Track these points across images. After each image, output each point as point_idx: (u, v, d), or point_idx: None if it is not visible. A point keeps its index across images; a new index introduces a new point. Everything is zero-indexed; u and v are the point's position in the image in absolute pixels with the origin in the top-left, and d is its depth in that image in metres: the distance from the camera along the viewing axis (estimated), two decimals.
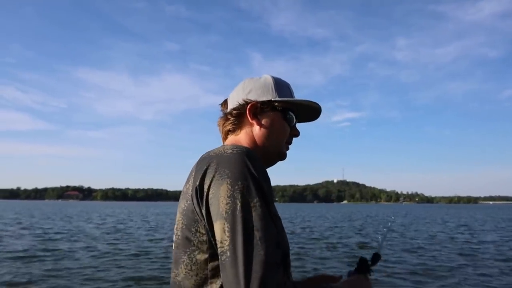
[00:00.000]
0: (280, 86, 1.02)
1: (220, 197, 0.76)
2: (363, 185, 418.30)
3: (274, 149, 1.00)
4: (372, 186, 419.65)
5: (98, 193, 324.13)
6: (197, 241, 0.82)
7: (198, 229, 0.82)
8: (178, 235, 0.86)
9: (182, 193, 0.88)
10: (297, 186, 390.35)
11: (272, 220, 0.77)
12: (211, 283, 0.80)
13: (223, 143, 1.04)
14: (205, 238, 0.81)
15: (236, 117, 1.00)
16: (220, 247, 0.75)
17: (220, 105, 1.09)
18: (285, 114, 1.00)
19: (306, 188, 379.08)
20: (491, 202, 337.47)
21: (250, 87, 1.02)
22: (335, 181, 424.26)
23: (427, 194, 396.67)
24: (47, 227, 19.00)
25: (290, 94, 1.04)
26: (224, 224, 0.74)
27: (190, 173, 0.87)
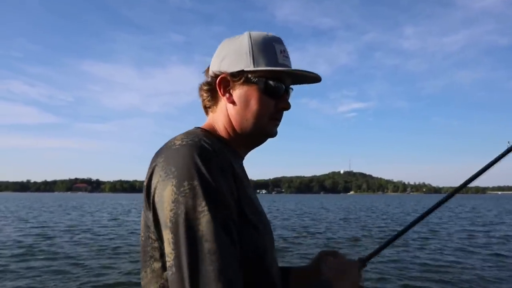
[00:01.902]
0: (259, 48, 0.80)
1: (164, 202, 0.65)
2: (370, 176, 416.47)
3: (253, 128, 0.82)
4: (379, 176, 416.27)
5: (107, 185, 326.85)
6: (150, 247, 0.73)
7: (150, 235, 0.72)
8: (142, 237, 0.76)
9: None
10: (304, 177, 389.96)
11: (226, 227, 0.64)
12: None
13: (206, 116, 0.91)
14: (156, 245, 0.72)
15: (209, 92, 0.85)
16: (167, 261, 0.64)
17: (204, 74, 0.90)
18: (264, 85, 0.80)
19: (312, 179, 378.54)
20: (499, 192, 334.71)
21: (225, 52, 0.83)
22: (341, 172, 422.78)
23: (434, 184, 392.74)
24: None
25: (274, 57, 0.80)
26: (169, 234, 0.63)
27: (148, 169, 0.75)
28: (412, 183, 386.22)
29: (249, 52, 0.80)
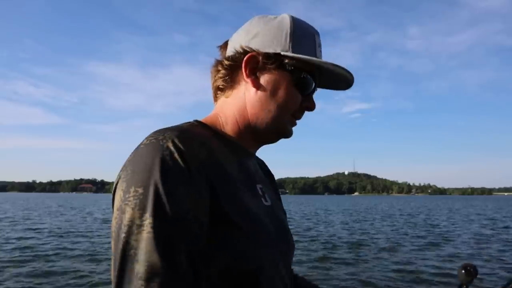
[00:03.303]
0: (300, 34, 0.69)
1: (114, 208, 0.56)
2: (375, 177, 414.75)
3: (271, 122, 0.69)
4: (384, 177, 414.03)
5: (111, 186, 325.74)
6: None
7: None
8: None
9: None
10: (308, 178, 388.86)
11: (169, 247, 0.51)
12: None
13: (214, 102, 0.77)
14: None
15: (229, 70, 0.71)
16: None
17: (219, 48, 0.77)
18: (297, 77, 0.68)
19: (316, 180, 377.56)
20: (505, 194, 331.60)
21: (257, 30, 0.70)
22: (346, 173, 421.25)
23: (439, 185, 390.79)
24: None
25: (313, 49, 0.70)
26: (112, 245, 0.54)
27: None
28: (417, 184, 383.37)
29: (290, 35, 0.67)
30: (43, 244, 9.98)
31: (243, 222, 0.59)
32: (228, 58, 0.71)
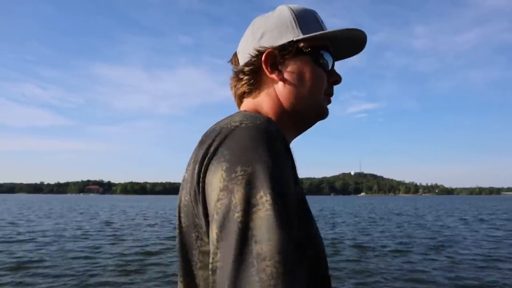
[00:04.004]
0: (304, 17, 0.70)
1: (213, 190, 0.53)
2: (381, 177, 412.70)
3: (309, 107, 0.70)
4: (390, 178, 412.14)
5: (118, 187, 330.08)
6: (197, 252, 0.59)
7: (199, 235, 0.58)
8: (183, 240, 0.62)
9: (183, 181, 0.62)
10: (314, 178, 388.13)
11: (288, 225, 0.48)
12: None
13: (238, 109, 0.76)
14: (207, 248, 0.57)
15: (250, 75, 0.71)
16: (210, 262, 0.50)
17: (230, 62, 0.78)
18: (317, 56, 0.69)
19: (323, 180, 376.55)
20: None
21: (263, 30, 0.71)
22: (352, 173, 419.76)
23: (447, 185, 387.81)
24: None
25: (319, 25, 0.71)
26: (215, 230, 0.50)
27: (192, 155, 0.62)
28: (424, 184, 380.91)
29: (294, 21, 0.69)
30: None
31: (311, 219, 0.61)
32: (246, 64, 0.71)
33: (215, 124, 0.62)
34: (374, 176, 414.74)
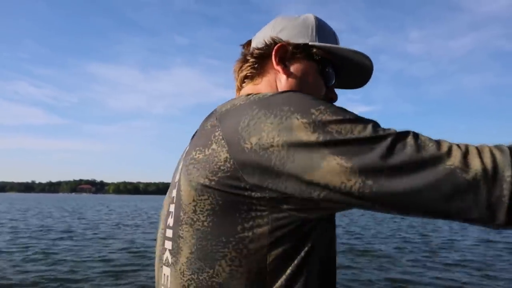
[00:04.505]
0: (324, 29, 0.74)
1: (272, 142, 0.52)
2: None
3: None
4: None
5: (111, 187, 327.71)
6: (241, 227, 0.56)
7: (246, 207, 0.56)
8: (203, 221, 0.58)
9: (195, 162, 0.60)
10: None
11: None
12: (272, 281, 0.56)
13: (237, 94, 0.77)
14: (263, 218, 0.56)
15: (258, 59, 0.73)
16: (349, 182, 0.49)
17: (242, 46, 0.79)
18: (323, 66, 0.72)
19: None
20: None
21: (283, 25, 0.74)
22: None
23: None
24: None
25: (336, 41, 0.76)
26: (314, 161, 0.50)
27: (204, 134, 0.61)
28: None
29: (315, 28, 0.72)
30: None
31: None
32: (257, 48, 0.73)
33: (217, 108, 0.64)
34: None
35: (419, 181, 0.46)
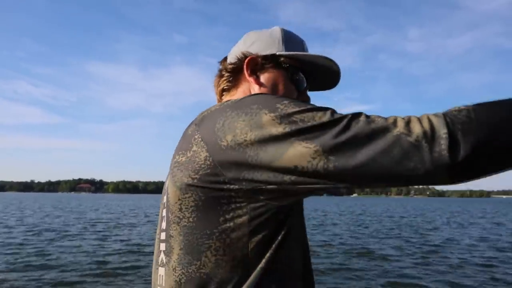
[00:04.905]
0: (291, 39, 0.81)
1: (245, 139, 0.59)
2: None
3: None
4: None
5: (110, 186, 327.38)
6: (223, 218, 0.62)
7: (226, 200, 0.62)
8: (188, 218, 0.64)
9: (178, 164, 0.67)
10: None
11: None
12: (254, 265, 0.63)
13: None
14: (242, 208, 0.62)
15: (232, 73, 0.81)
16: (314, 157, 0.55)
17: (219, 63, 0.87)
18: (292, 73, 0.78)
19: None
20: (504, 196, 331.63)
21: (253, 39, 0.81)
22: None
23: (438, 188, 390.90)
24: None
25: (303, 50, 0.82)
26: (283, 153, 0.57)
27: (187, 138, 0.68)
28: (415, 186, 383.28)
29: (282, 39, 0.79)
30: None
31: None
32: (231, 63, 0.81)
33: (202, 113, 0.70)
34: None
35: (373, 150, 0.52)
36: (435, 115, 0.53)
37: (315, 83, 0.86)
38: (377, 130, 0.53)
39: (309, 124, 0.56)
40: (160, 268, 0.70)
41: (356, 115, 0.56)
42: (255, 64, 0.78)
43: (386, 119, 0.55)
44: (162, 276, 0.69)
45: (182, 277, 0.64)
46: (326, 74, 0.82)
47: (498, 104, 0.52)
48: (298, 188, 0.59)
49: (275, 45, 0.79)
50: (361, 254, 9.04)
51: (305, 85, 0.82)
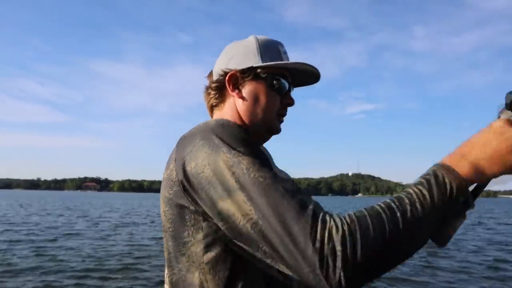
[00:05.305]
0: (266, 48, 0.86)
1: (217, 173, 0.66)
2: (379, 178, 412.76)
3: (262, 124, 0.86)
4: (388, 179, 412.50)
5: (115, 184, 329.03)
6: (186, 233, 0.73)
7: (188, 217, 0.72)
8: (169, 227, 0.76)
9: (163, 180, 0.78)
10: (312, 179, 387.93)
11: (267, 163, 0.67)
12: (208, 279, 0.71)
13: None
14: (198, 225, 0.71)
15: (217, 90, 0.88)
16: (243, 222, 0.62)
17: (206, 78, 0.94)
18: (271, 81, 0.85)
19: (320, 181, 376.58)
20: (511, 196, 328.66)
21: (232, 53, 0.87)
22: (350, 174, 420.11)
23: None
24: None
25: (279, 56, 0.87)
26: (240, 195, 0.63)
27: (170, 156, 0.78)
28: None
29: (257, 51, 0.85)
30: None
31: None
32: (214, 82, 0.89)
33: (189, 130, 0.78)
34: (371, 177, 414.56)
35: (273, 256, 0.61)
36: (339, 232, 0.56)
37: (298, 80, 0.92)
38: (294, 253, 0.57)
39: (252, 178, 0.63)
40: (166, 267, 0.81)
41: (304, 203, 0.60)
42: (236, 79, 0.85)
43: (311, 242, 0.56)
44: (167, 274, 0.80)
45: (173, 277, 0.76)
46: (306, 75, 0.90)
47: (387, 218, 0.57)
48: (227, 233, 0.67)
49: (251, 57, 0.84)
50: None
51: (287, 88, 0.87)
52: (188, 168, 0.69)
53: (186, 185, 0.69)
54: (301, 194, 0.62)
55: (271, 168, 0.66)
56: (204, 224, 0.70)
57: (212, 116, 0.91)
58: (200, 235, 0.71)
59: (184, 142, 0.74)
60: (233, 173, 0.64)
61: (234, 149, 0.67)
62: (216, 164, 0.66)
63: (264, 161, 0.67)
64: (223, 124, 0.73)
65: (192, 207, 0.71)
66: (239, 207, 0.62)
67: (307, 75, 0.89)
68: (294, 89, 0.93)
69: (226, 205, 0.64)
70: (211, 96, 0.88)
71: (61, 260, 7.57)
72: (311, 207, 0.59)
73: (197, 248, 0.71)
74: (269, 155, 0.87)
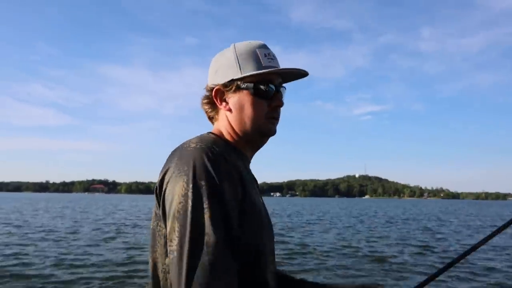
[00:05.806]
0: (244, 57, 0.90)
1: (174, 195, 0.75)
2: (386, 180, 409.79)
3: (252, 130, 0.90)
4: (395, 181, 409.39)
5: (123, 187, 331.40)
6: (157, 234, 0.83)
7: (159, 223, 0.82)
8: (152, 225, 0.86)
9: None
10: (318, 180, 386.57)
11: (224, 224, 0.74)
12: None
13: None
14: (162, 232, 0.81)
15: (208, 104, 0.95)
16: (169, 245, 0.74)
17: (205, 89, 0.98)
18: (255, 89, 0.88)
19: (327, 182, 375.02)
20: None
21: (217, 66, 0.93)
22: (357, 175, 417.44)
23: (452, 189, 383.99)
24: None
25: (258, 62, 0.89)
26: (175, 223, 0.73)
27: (164, 165, 0.85)
28: (429, 188, 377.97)
29: (236, 61, 0.89)
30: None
31: (257, 214, 0.84)
32: (204, 97, 0.96)
33: (182, 143, 0.86)
34: (379, 179, 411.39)
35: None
36: None
37: (289, 76, 0.95)
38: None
39: (199, 236, 0.71)
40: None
41: (223, 276, 0.70)
42: (222, 94, 0.91)
43: None
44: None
45: (163, 278, 0.83)
46: (291, 74, 0.93)
47: None
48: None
49: (231, 68, 0.89)
50: (377, 260, 8.80)
51: (273, 91, 0.90)
52: (163, 189, 0.79)
53: (161, 208, 0.80)
54: (224, 275, 0.70)
55: (230, 228, 0.74)
56: (165, 233, 0.80)
57: (213, 124, 0.98)
58: (162, 241, 0.81)
59: (171, 158, 0.82)
60: (192, 218, 0.72)
61: (199, 191, 0.74)
62: (185, 204, 0.73)
63: (225, 219, 0.74)
64: (203, 164, 0.77)
65: (161, 216, 0.81)
66: (171, 232, 0.74)
67: (292, 74, 0.93)
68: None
69: (174, 227, 0.74)
70: (206, 110, 0.96)
71: (71, 263, 7.65)
72: None
73: (162, 250, 0.81)
74: (251, 179, 0.91)
